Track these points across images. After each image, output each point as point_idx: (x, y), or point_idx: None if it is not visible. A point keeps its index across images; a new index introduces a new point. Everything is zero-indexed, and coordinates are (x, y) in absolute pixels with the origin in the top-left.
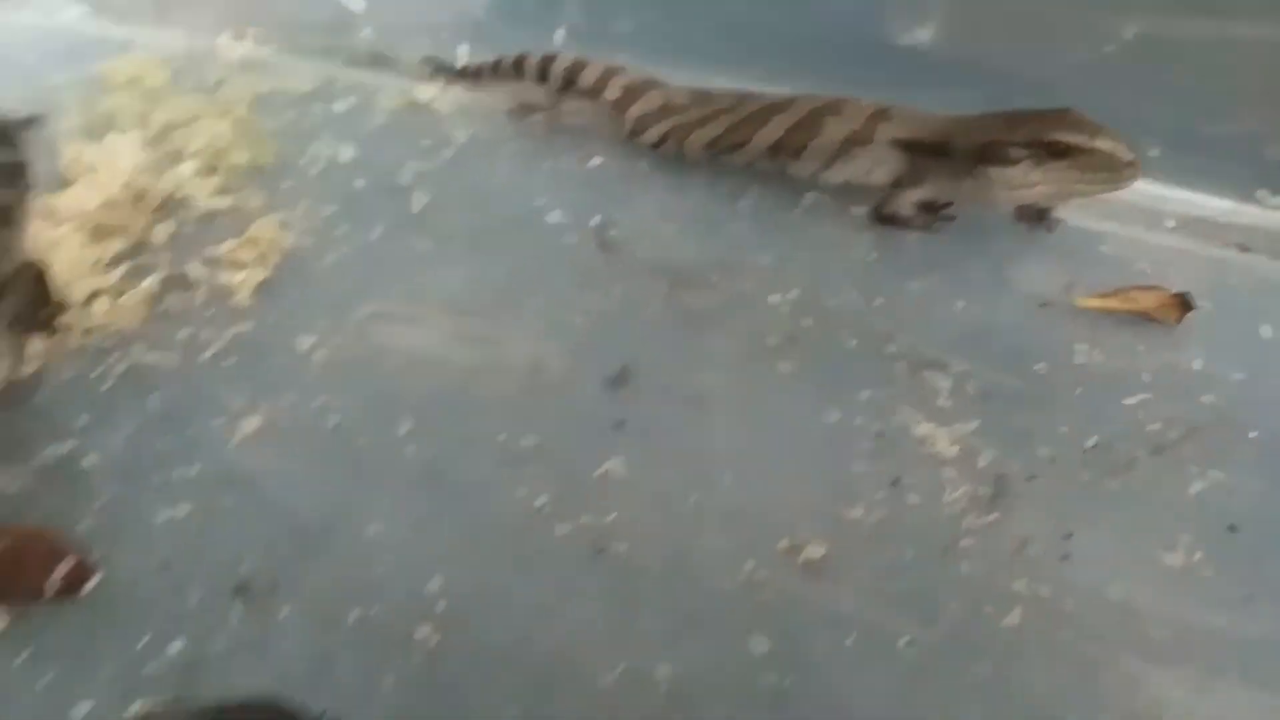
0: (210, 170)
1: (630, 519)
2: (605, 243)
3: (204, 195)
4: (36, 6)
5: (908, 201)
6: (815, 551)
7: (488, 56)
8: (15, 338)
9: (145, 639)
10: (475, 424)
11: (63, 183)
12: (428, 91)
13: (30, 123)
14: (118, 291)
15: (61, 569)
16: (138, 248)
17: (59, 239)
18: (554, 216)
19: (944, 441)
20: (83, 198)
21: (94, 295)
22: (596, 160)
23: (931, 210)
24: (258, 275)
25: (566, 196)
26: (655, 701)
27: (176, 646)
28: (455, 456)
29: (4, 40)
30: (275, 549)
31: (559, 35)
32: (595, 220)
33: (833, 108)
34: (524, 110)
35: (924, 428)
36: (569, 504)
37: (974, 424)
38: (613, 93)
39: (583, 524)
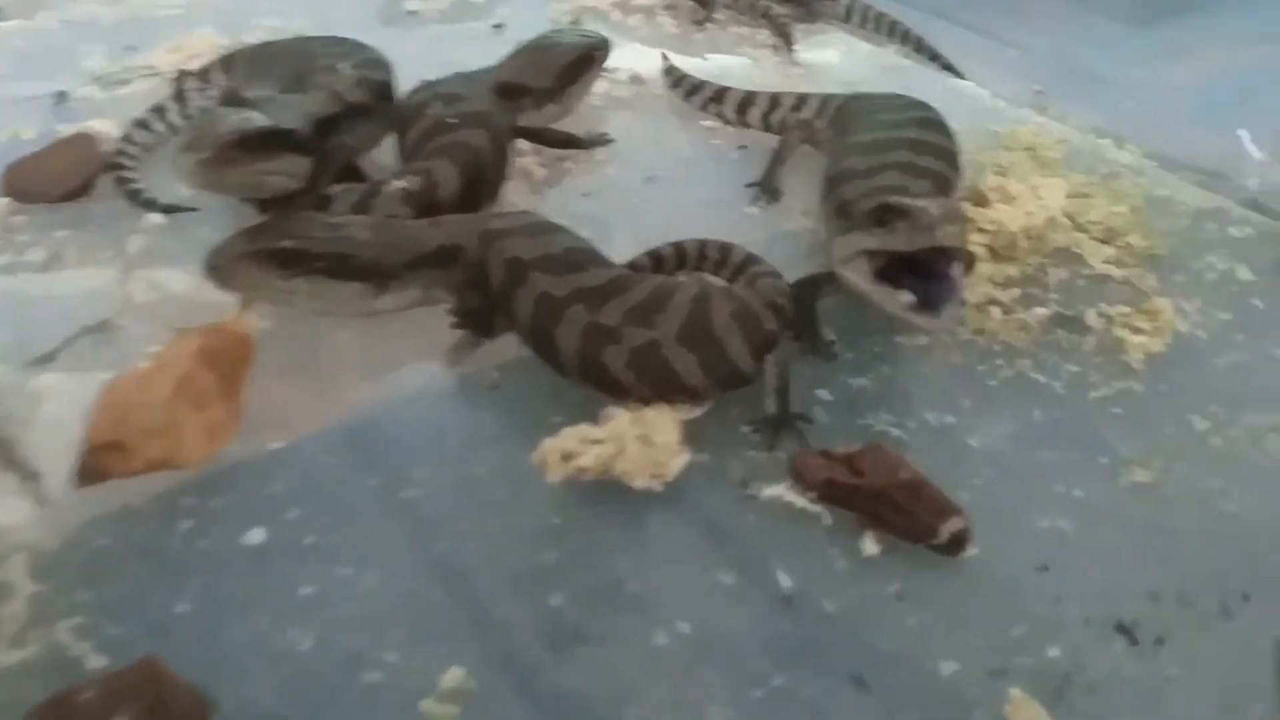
0: (1104, 240)
1: None
2: None
3: (1097, 260)
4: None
5: None
6: None
7: None
8: None
9: (1019, 630)
10: None
11: (978, 200)
12: None
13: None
14: (1008, 309)
15: (953, 524)
16: (1029, 280)
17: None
18: None
19: None
20: (1005, 217)
21: (990, 303)
22: None
23: None
24: (1154, 345)
25: None
26: None
27: (1053, 652)
28: None
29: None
30: (1161, 605)
31: None
32: None
33: None
34: None
35: None
36: None
37: None
38: None
39: None
